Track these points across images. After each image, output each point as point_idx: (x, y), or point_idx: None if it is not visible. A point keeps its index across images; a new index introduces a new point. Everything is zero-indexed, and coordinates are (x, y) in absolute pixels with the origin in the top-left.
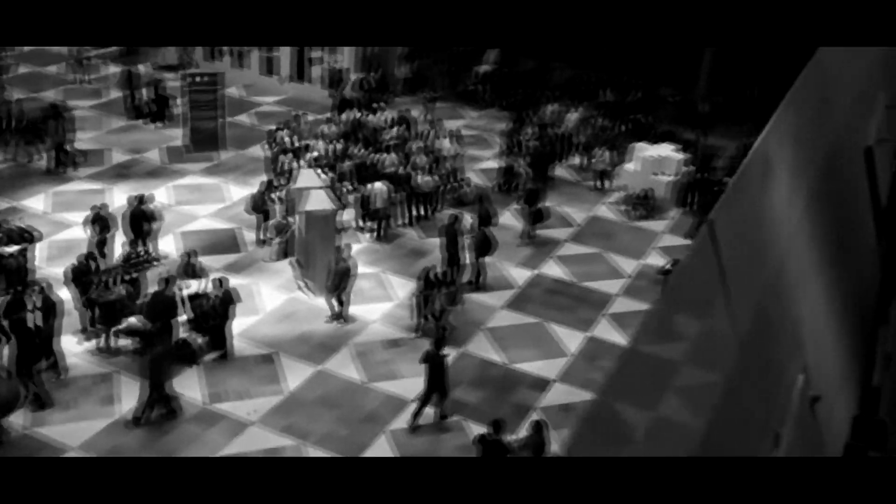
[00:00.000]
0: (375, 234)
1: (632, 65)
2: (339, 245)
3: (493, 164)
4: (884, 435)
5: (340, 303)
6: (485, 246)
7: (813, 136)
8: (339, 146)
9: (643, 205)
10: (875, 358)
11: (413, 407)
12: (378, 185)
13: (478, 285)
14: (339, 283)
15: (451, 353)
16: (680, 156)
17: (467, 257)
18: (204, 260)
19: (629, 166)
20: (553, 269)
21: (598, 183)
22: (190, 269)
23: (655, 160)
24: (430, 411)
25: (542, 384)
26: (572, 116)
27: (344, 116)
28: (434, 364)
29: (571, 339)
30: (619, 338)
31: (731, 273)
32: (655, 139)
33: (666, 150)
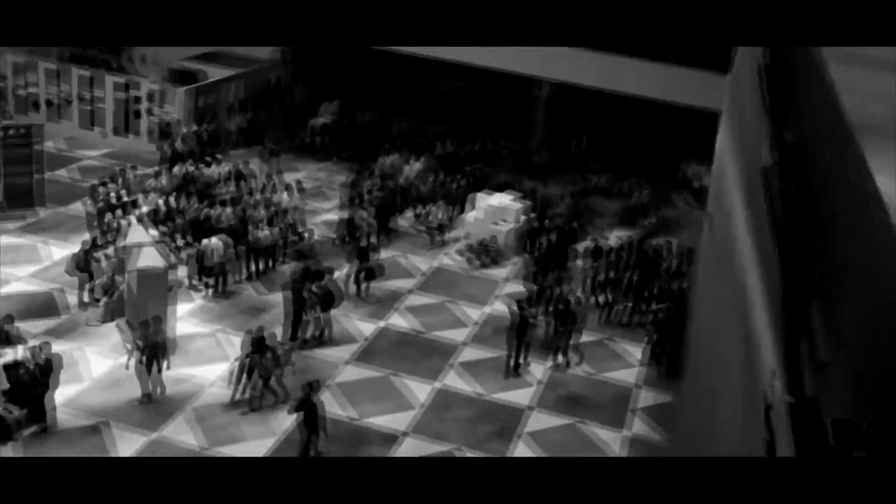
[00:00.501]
0: (213, 290)
1: (469, 117)
2: (157, 315)
3: (333, 216)
4: (864, 436)
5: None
6: (329, 299)
7: (738, 150)
8: (172, 200)
9: (485, 253)
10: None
11: None
12: (214, 240)
13: (322, 340)
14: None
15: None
16: (519, 204)
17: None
18: (20, 326)
19: (471, 215)
20: (399, 321)
21: (431, 240)
22: (3, 336)
23: (496, 209)
24: None
25: (391, 438)
26: (413, 167)
27: (176, 170)
28: (308, 410)
29: (420, 391)
30: (467, 386)
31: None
32: (496, 188)
33: (506, 198)
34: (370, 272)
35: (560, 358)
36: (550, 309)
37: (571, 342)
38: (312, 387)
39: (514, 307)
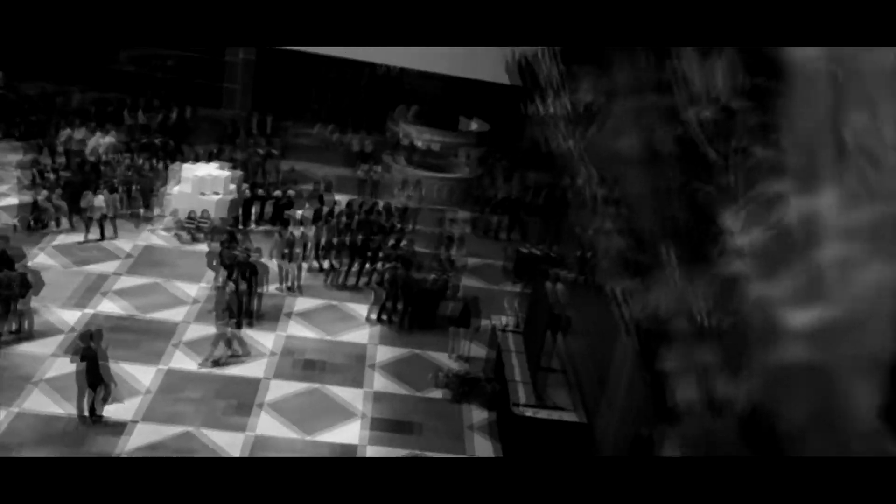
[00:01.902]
0: None
1: (159, 85)
2: None
3: (13, 199)
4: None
5: None
6: (25, 286)
7: None
8: None
9: (195, 227)
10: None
11: None
12: None
13: (21, 334)
14: None
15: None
16: (228, 173)
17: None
18: None
19: (175, 189)
20: (110, 306)
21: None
22: None
23: (203, 180)
24: None
25: (120, 428)
26: (101, 141)
27: None
28: (90, 359)
29: (145, 375)
30: (194, 365)
31: None
32: (202, 159)
33: (213, 168)
34: None
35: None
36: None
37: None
38: (93, 336)
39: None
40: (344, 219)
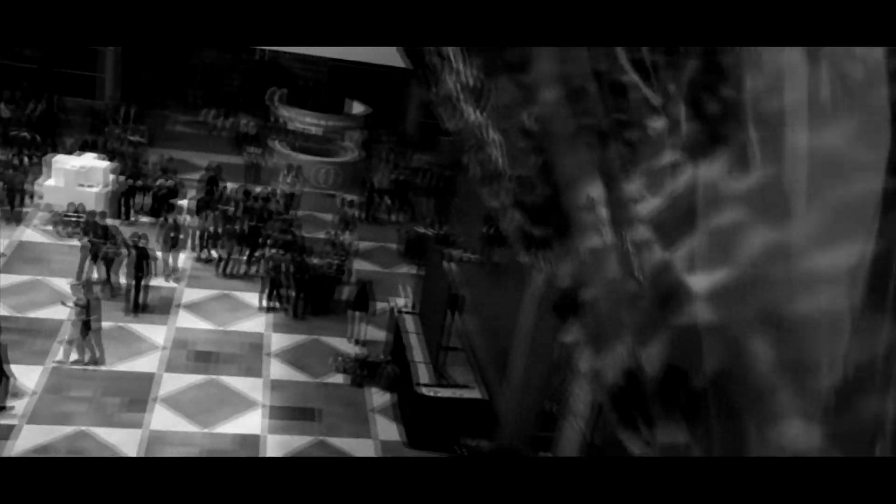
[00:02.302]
0: None
1: (25, 76)
2: None
3: None
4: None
5: None
6: None
7: None
8: None
9: (73, 221)
10: None
11: None
12: None
13: None
14: None
15: None
16: (105, 164)
17: None
18: None
19: (48, 183)
20: None
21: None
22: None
23: (79, 172)
24: None
25: (6, 431)
26: None
27: None
28: None
29: (29, 376)
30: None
31: None
32: (74, 150)
33: (89, 160)
34: None
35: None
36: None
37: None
38: None
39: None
40: (232, 206)
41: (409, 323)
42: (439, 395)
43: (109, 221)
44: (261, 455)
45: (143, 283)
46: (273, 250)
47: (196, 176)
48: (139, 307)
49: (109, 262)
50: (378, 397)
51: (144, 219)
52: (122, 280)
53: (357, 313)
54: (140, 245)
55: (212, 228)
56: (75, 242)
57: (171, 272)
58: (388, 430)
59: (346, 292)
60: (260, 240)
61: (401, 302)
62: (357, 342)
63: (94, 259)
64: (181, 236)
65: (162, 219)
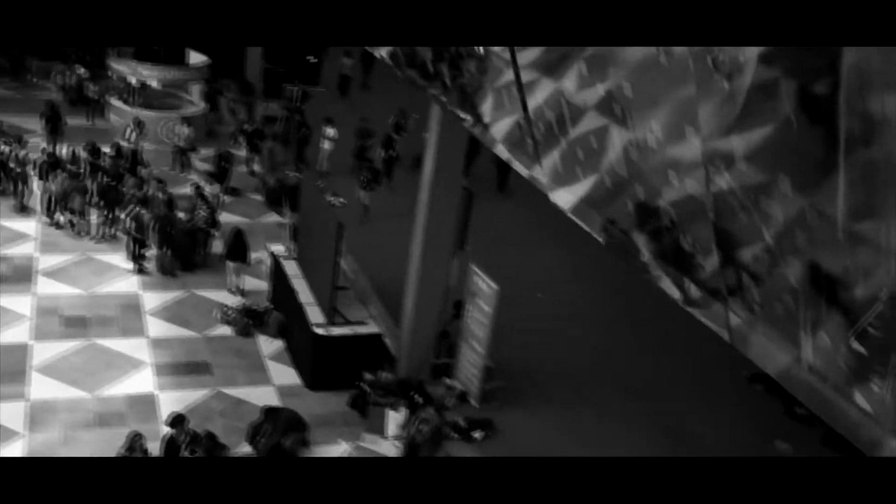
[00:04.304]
0: None
1: None
2: None
3: None
4: None
5: None
6: None
7: None
8: None
9: None
10: None
11: None
12: None
13: None
14: None
15: None
16: None
17: None
18: None
19: None
20: None
21: None
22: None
23: None
24: None
25: None
26: None
27: None
28: None
29: None
30: None
31: None
32: None
33: None
34: None
35: None
36: None
37: None
38: None
39: None
40: (83, 166)
41: (291, 268)
42: (335, 333)
43: None
44: (158, 413)
45: None
46: (136, 208)
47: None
48: None
49: None
50: (267, 345)
51: None
52: None
53: (233, 264)
54: None
55: (58, 190)
56: None
57: None
58: (285, 376)
59: (217, 245)
60: (118, 198)
61: (278, 248)
62: (238, 292)
63: None
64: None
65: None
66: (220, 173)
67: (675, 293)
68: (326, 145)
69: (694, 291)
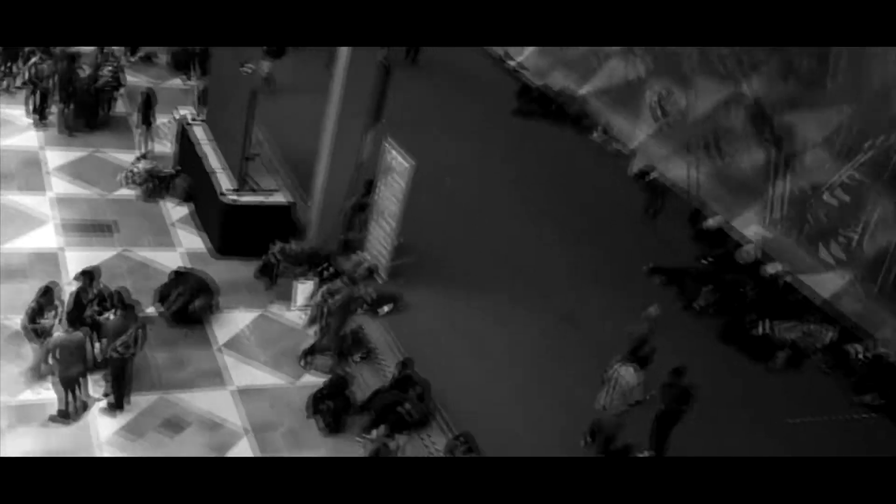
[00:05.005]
0: None
1: None
2: None
3: None
4: None
5: None
6: None
7: None
8: None
9: None
10: None
11: None
12: None
13: None
14: None
15: None
16: None
17: None
18: None
19: None
20: None
21: None
22: None
23: None
24: None
25: None
26: None
27: None
28: None
29: None
30: None
31: None
32: None
33: None
34: None
35: None
36: None
37: None
38: None
39: None
40: None
41: (199, 132)
42: (244, 201)
43: None
44: (60, 268)
45: None
46: (35, 59)
47: None
48: None
49: None
50: (173, 210)
51: None
52: None
53: (141, 127)
54: None
55: None
56: None
57: None
58: (191, 240)
59: (120, 105)
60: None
61: (186, 112)
62: (143, 155)
63: None
64: None
65: None
66: None
67: None
68: None
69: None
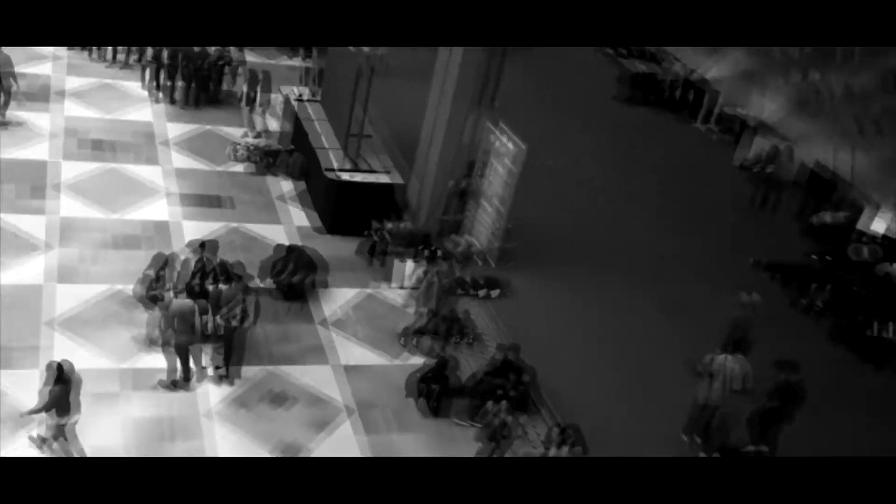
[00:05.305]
0: None
1: None
2: None
3: None
4: None
5: None
6: None
7: None
8: None
9: None
10: None
11: None
12: None
13: None
14: None
15: None
16: None
17: None
18: None
19: None
20: None
21: None
22: None
23: None
24: None
25: None
26: None
27: None
28: None
29: None
30: None
31: None
32: None
33: None
34: None
35: None
36: None
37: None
38: None
39: None
40: None
41: (312, 111)
42: (356, 179)
43: None
44: (173, 238)
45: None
46: None
47: None
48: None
49: None
50: (284, 185)
51: None
52: None
53: (251, 104)
54: None
55: None
56: None
57: None
58: (299, 216)
59: (236, 82)
60: None
61: (297, 91)
62: (256, 131)
63: None
64: None
65: None
66: None
67: None
68: None
69: None
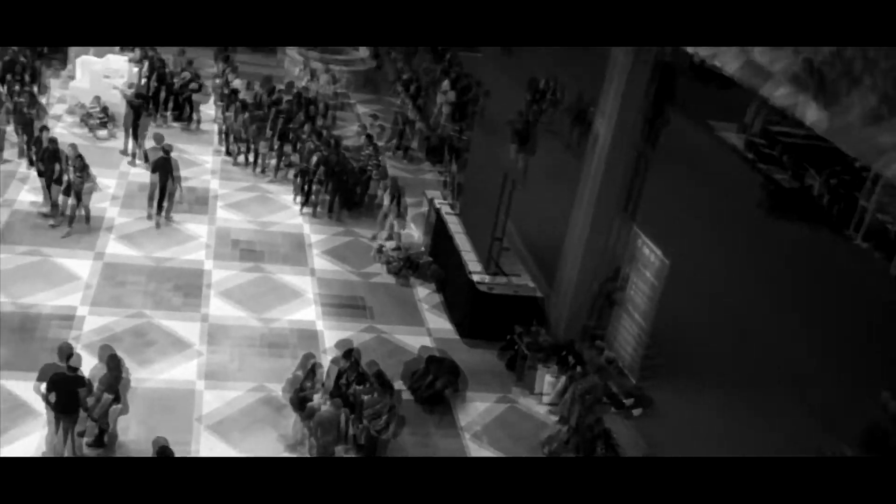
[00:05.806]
0: None
1: None
2: None
3: None
4: None
5: None
6: None
7: None
8: None
9: (104, 120)
10: None
11: None
12: None
13: None
14: None
15: None
16: (130, 65)
17: None
18: None
19: (74, 83)
20: (26, 196)
21: None
22: None
23: (105, 71)
24: None
25: (69, 316)
26: None
27: None
28: None
29: (80, 267)
30: (134, 252)
31: None
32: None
33: (118, 60)
34: None
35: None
36: None
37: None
38: None
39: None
40: (264, 107)
41: (453, 223)
42: (495, 291)
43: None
44: (321, 345)
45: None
46: (311, 145)
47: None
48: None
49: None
50: (422, 292)
51: (175, 124)
52: None
53: (392, 211)
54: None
55: (242, 130)
56: (107, 144)
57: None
58: (439, 323)
59: (379, 188)
60: (292, 137)
61: (438, 201)
62: (392, 236)
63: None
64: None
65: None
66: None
67: None
68: (440, 99)
69: None
